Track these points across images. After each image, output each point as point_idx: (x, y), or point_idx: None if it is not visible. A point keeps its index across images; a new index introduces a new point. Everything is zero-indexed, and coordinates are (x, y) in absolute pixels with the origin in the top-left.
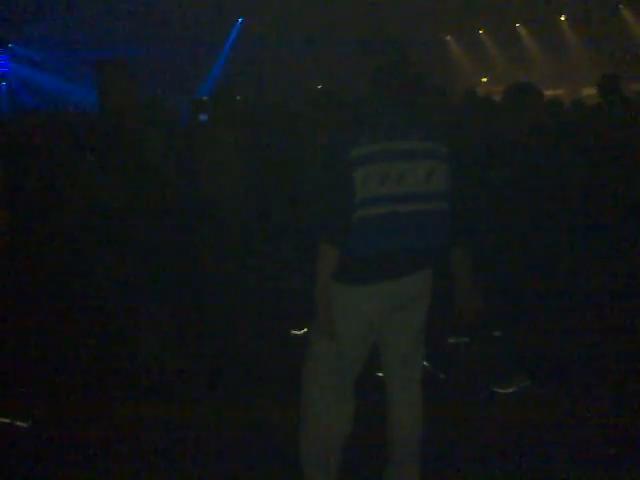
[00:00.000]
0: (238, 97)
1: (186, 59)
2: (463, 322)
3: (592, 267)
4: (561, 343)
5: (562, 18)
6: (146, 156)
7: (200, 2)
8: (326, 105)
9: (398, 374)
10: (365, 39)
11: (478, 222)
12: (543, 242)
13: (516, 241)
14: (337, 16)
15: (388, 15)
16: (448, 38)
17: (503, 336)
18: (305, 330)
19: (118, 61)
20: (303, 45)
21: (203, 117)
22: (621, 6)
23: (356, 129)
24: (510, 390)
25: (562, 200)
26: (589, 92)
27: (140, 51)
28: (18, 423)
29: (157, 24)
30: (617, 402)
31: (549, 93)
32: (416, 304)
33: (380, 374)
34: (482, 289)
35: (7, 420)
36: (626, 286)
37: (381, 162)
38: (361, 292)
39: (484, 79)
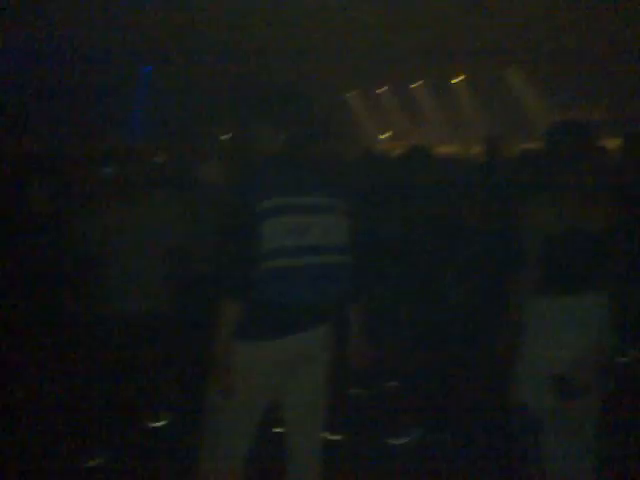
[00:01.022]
0: None
1: None
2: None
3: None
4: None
5: (454, 77)
6: None
7: None
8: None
9: (298, 434)
10: (274, 93)
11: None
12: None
13: None
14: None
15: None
16: (347, 96)
17: (398, 386)
18: None
19: None
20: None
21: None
22: (508, 69)
23: (265, 182)
24: (403, 441)
25: None
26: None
27: None
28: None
29: None
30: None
31: (445, 150)
32: (317, 361)
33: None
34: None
35: None
36: None
37: (288, 215)
38: (263, 349)
39: (384, 136)
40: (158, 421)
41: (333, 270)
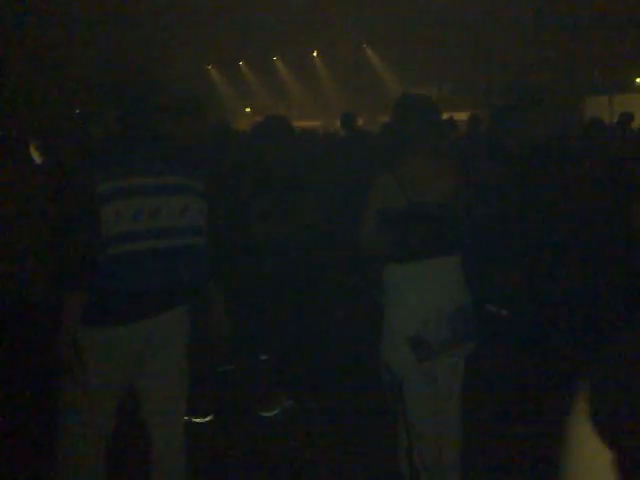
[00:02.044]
0: None
1: None
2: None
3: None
4: (320, 361)
5: (314, 53)
6: None
7: None
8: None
9: (158, 421)
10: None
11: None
12: None
13: None
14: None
15: (147, 47)
16: (210, 68)
17: (267, 359)
18: None
19: None
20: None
21: None
22: (364, 45)
23: (103, 164)
24: (274, 412)
25: None
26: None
27: None
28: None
29: None
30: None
31: (307, 124)
32: (172, 344)
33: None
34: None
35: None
36: None
37: (133, 198)
38: (114, 335)
39: (248, 109)
40: None
41: (186, 252)
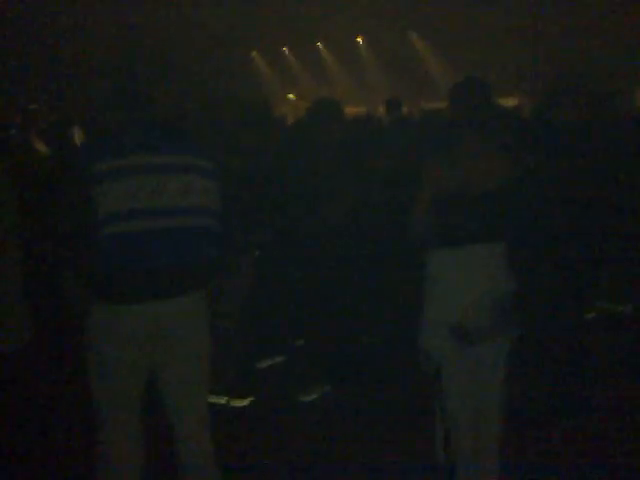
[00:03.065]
0: None
1: None
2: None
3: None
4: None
5: (359, 39)
6: None
7: None
8: None
9: (178, 406)
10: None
11: None
12: None
13: None
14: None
15: (194, 30)
16: (254, 54)
17: (305, 345)
18: None
19: None
20: None
21: None
22: (409, 31)
23: (98, 143)
24: (312, 397)
25: None
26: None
27: None
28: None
29: None
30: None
31: (351, 110)
32: (190, 330)
33: None
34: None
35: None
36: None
37: (130, 176)
38: (124, 313)
39: (291, 95)
40: None
41: (190, 233)
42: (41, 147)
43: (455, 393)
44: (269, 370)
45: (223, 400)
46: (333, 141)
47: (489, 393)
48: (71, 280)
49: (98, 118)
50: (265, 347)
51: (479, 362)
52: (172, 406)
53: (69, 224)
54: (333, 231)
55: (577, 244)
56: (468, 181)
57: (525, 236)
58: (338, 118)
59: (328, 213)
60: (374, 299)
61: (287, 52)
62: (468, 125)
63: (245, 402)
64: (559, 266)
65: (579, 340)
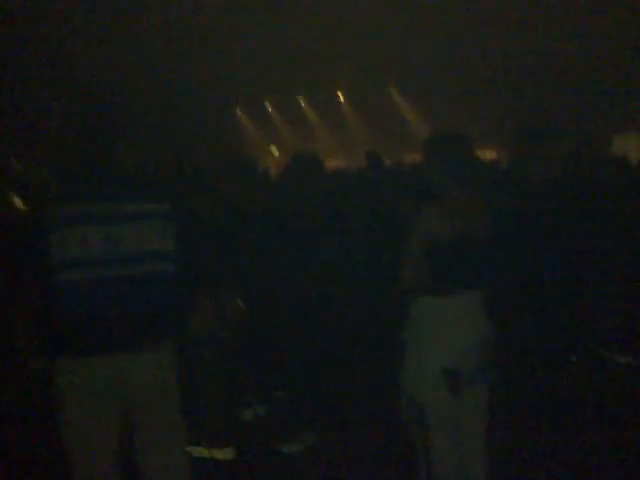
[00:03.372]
0: None
1: None
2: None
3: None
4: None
5: (338, 93)
6: None
7: None
8: None
9: (153, 461)
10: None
11: None
12: None
13: None
14: None
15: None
16: (236, 109)
17: (289, 396)
18: None
19: None
20: None
21: None
22: (389, 86)
23: (54, 189)
24: (297, 448)
25: None
26: None
27: None
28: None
29: None
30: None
31: (332, 163)
32: (158, 383)
33: None
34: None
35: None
36: None
37: (83, 224)
38: (90, 366)
39: (274, 148)
40: None
41: (146, 280)
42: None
43: (441, 438)
44: (251, 420)
45: (205, 452)
46: (312, 194)
47: (474, 437)
48: (24, 327)
49: (60, 166)
50: (247, 397)
51: (465, 407)
52: (147, 461)
53: (23, 270)
54: (316, 281)
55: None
56: (458, 231)
57: (505, 284)
58: (316, 172)
59: (311, 263)
60: (357, 346)
61: (269, 106)
62: (454, 180)
63: (229, 455)
64: (539, 313)
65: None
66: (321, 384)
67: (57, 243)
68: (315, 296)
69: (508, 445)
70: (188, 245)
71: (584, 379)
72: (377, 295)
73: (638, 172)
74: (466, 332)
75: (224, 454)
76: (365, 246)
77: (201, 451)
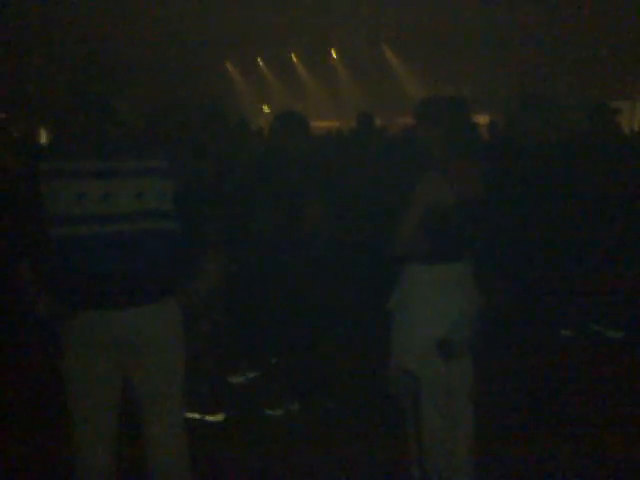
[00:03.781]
0: None
1: None
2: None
3: None
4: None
5: (333, 52)
6: None
7: None
8: None
9: (152, 418)
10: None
11: None
12: None
13: None
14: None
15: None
16: (227, 65)
17: (278, 362)
18: None
19: None
20: None
21: None
22: (383, 45)
23: (53, 144)
24: (278, 412)
25: None
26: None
27: None
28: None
29: None
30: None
31: (325, 124)
32: (160, 340)
33: None
34: None
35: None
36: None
37: (76, 180)
38: (91, 320)
39: (265, 107)
40: None
41: (145, 237)
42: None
43: (432, 409)
44: (241, 385)
45: (197, 416)
46: (298, 154)
47: (463, 406)
48: (28, 274)
49: (59, 121)
50: (239, 362)
51: (454, 376)
52: (147, 418)
53: (22, 221)
54: (305, 246)
55: (548, 261)
56: (458, 197)
57: (494, 253)
58: (302, 131)
59: (297, 226)
60: (347, 312)
61: (261, 63)
62: (455, 144)
63: (220, 418)
64: (527, 284)
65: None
66: (309, 353)
67: (54, 198)
68: (302, 261)
69: (496, 419)
70: (188, 204)
71: (577, 354)
72: (366, 262)
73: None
74: (458, 302)
75: (214, 418)
76: (354, 211)
77: (193, 416)
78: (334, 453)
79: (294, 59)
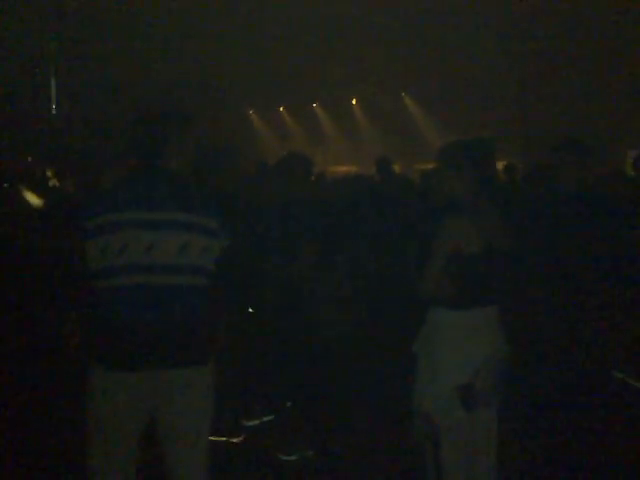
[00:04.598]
0: None
1: None
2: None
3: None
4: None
5: (353, 101)
6: None
7: None
8: None
9: (177, 459)
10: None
11: None
12: None
13: None
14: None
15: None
16: (251, 112)
17: (292, 406)
18: None
19: None
20: None
21: None
22: (403, 94)
23: (94, 197)
24: (292, 458)
25: None
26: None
27: None
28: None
29: None
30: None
31: (344, 169)
32: (192, 402)
33: None
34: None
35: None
36: None
37: (125, 231)
38: (117, 380)
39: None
40: None
41: (183, 291)
42: (32, 199)
43: (453, 457)
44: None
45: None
46: (298, 194)
47: (485, 456)
48: (74, 324)
49: (96, 171)
50: (254, 406)
51: (477, 425)
52: (171, 458)
53: (64, 276)
54: (325, 294)
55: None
56: (485, 243)
57: (521, 299)
58: (304, 173)
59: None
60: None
61: (283, 111)
62: (484, 189)
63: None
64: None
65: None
66: (328, 396)
67: (96, 249)
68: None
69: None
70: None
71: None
72: (389, 305)
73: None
74: (483, 348)
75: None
76: (374, 255)
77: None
78: None
79: (316, 108)
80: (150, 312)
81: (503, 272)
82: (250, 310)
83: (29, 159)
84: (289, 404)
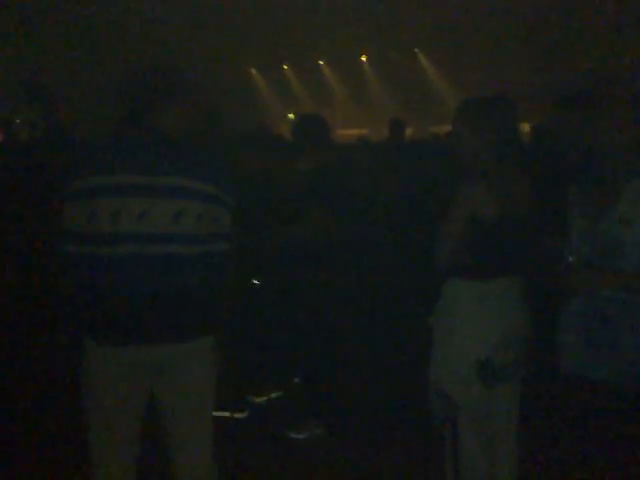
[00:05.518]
0: None
1: None
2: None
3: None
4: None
5: (363, 58)
6: None
7: None
8: None
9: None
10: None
11: None
12: None
13: None
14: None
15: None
16: (253, 71)
17: (302, 383)
18: None
19: None
20: None
21: None
22: (416, 50)
23: (80, 160)
24: (303, 436)
25: None
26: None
27: None
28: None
29: None
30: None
31: (353, 132)
32: (192, 376)
33: None
34: None
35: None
36: None
37: (115, 197)
38: (110, 355)
39: (291, 115)
40: None
41: (181, 261)
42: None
43: (471, 434)
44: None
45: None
46: (318, 158)
47: (505, 433)
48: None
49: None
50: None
51: (497, 401)
52: (173, 437)
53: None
54: (333, 266)
55: None
56: (504, 210)
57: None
58: (323, 135)
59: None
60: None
61: (287, 70)
62: (504, 151)
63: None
64: None
65: None
66: (340, 373)
67: (84, 215)
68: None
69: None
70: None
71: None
72: (403, 277)
73: None
74: (503, 321)
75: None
76: (387, 223)
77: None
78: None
79: (322, 66)
80: (143, 283)
81: (524, 241)
82: (255, 282)
83: None
84: (297, 380)
